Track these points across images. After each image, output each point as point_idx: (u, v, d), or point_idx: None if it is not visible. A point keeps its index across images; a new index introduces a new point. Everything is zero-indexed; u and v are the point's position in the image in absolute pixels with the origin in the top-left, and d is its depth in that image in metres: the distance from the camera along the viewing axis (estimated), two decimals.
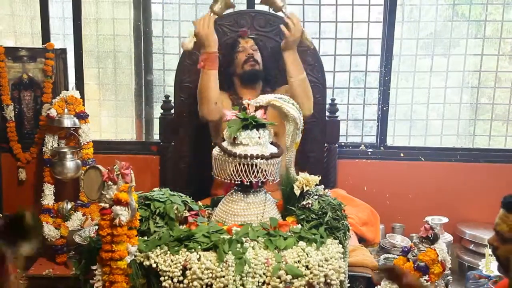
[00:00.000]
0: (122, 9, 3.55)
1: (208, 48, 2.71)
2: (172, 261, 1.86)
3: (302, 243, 1.92)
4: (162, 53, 3.60)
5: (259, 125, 2.08)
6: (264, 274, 1.84)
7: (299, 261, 1.87)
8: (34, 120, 3.43)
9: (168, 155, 3.23)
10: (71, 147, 3.27)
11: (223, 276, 1.82)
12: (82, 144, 3.22)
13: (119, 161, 1.88)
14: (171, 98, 3.19)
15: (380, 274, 1.88)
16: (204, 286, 1.83)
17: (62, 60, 3.42)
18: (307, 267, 1.87)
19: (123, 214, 1.81)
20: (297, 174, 2.16)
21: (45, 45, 3.39)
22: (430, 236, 2.05)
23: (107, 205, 1.83)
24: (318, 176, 2.14)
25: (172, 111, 3.19)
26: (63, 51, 3.43)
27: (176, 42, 3.57)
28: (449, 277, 2.97)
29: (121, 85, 3.65)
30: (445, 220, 3.24)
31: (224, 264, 1.83)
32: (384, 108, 3.50)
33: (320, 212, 2.04)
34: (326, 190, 2.20)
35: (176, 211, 2.02)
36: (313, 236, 1.96)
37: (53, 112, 3.16)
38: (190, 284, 1.83)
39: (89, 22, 3.53)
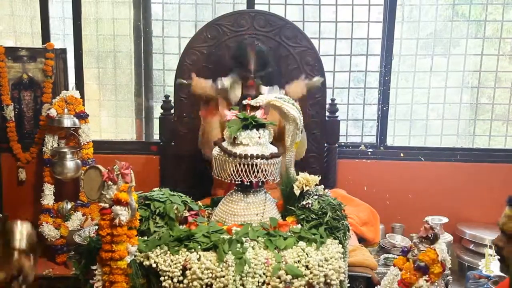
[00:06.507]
0: (122, 9, 3.56)
1: (209, 101, 2.69)
2: (172, 261, 1.86)
3: (302, 243, 1.93)
4: (162, 53, 3.60)
5: (259, 125, 2.08)
6: (264, 274, 1.84)
7: (299, 261, 1.87)
8: (34, 120, 3.43)
9: (168, 155, 3.23)
10: (71, 147, 3.27)
11: (223, 276, 1.82)
12: (82, 144, 3.22)
13: (119, 161, 1.88)
14: (171, 98, 3.19)
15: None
16: (204, 286, 1.83)
17: (62, 60, 3.42)
18: (307, 267, 1.87)
19: (123, 214, 1.81)
20: (297, 174, 2.16)
21: (45, 45, 3.39)
22: (430, 236, 2.04)
23: (107, 205, 1.83)
24: (318, 176, 2.14)
25: (172, 111, 3.19)
26: (63, 51, 3.43)
27: (176, 42, 3.57)
28: (449, 277, 2.97)
29: (121, 85, 3.65)
30: (445, 220, 3.24)
31: (224, 264, 1.83)
32: (384, 108, 3.50)
33: (320, 212, 2.04)
34: (326, 190, 2.20)
35: (176, 211, 2.02)
36: (313, 236, 1.96)
37: (53, 112, 3.16)
38: (190, 284, 1.83)
39: (89, 22, 3.54)
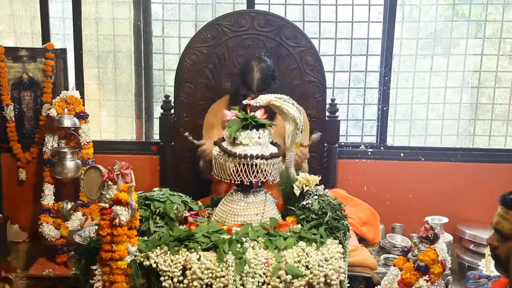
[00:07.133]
0: (122, 9, 3.56)
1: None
2: (172, 261, 1.86)
3: (302, 243, 1.92)
4: (162, 53, 3.60)
5: (259, 125, 2.08)
6: (264, 274, 1.84)
7: (299, 261, 1.87)
8: (34, 120, 3.44)
9: (168, 155, 3.23)
10: (71, 147, 3.27)
11: (223, 276, 1.81)
12: (82, 144, 3.23)
13: (119, 161, 1.88)
14: (171, 98, 3.19)
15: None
16: (204, 286, 1.83)
17: (62, 60, 3.42)
18: (307, 267, 1.86)
19: (123, 214, 1.80)
20: (297, 174, 2.16)
21: (45, 45, 3.39)
22: (430, 236, 2.04)
23: (107, 205, 1.83)
24: (318, 176, 2.14)
25: (172, 111, 3.19)
26: (63, 51, 3.43)
27: (176, 42, 3.57)
28: (449, 277, 2.97)
29: (121, 85, 3.65)
30: (445, 220, 3.24)
31: (224, 264, 1.82)
32: (384, 108, 3.50)
33: (320, 212, 2.04)
34: (326, 190, 2.20)
35: (176, 211, 2.02)
36: (313, 236, 1.96)
37: (53, 112, 3.16)
38: (190, 284, 1.83)
39: (89, 22, 3.54)
